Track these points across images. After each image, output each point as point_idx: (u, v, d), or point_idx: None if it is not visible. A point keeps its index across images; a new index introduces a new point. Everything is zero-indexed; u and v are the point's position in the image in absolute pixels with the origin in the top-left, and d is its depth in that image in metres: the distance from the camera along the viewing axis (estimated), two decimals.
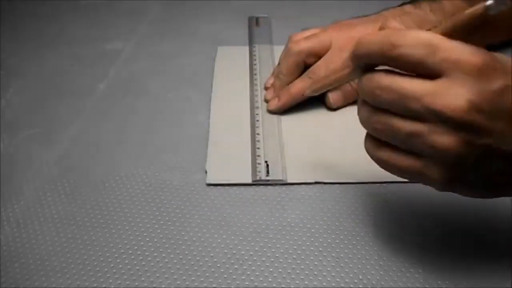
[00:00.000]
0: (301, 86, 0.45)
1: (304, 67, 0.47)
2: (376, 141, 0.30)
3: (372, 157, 0.30)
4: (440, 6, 0.47)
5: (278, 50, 0.51)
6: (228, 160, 0.43)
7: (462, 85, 0.26)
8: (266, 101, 0.49)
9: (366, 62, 0.29)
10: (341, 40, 0.46)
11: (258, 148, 0.43)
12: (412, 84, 0.27)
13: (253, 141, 0.44)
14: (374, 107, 0.28)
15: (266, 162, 0.42)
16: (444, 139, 0.26)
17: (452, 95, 0.26)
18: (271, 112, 0.48)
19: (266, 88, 0.50)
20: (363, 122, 0.30)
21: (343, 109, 0.48)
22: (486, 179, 0.29)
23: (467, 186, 0.29)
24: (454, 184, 0.29)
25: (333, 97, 0.47)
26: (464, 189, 0.30)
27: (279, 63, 0.50)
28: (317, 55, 0.46)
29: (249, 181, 0.40)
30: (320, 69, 0.46)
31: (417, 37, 0.26)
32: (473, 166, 0.27)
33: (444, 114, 0.26)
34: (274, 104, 0.47)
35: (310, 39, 0.47)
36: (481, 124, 0.26)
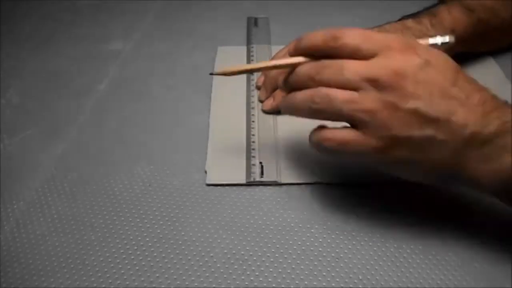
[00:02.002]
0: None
1: None
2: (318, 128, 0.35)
3: (316, 139, 0.34)
4: (440, 21, 0.48)
5: (276, 51, 0.51)
6: (227, 160, 0.43)
7: (390, 59, 0.31)
8: (261, 101, 0.49)
9: (308, 53, 0.34)
10: None
11: (253, 149, 0.43)
12: (350, 62, 0.32)
13: (249, 142, 0.44)
14: (315, 88, 0.33)
15: (261, 163, 0.42)
16: (373, 103, 0.31)
17: (382, 66, 0.31)
18: (266, 112, 0.48)
19: (258, 88, 0.51)
20: (302, 102, 0.34)
21: None
22: (420, 159, 0.32)
23: (402, 164, 0.33)
24: (389, 158, 0.32)
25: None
26: (401, 168, 0.33)
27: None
28: None
29: (244, 182, 0.40)
30: None
31: (354, 30, 0.33)
32: (404, 136, 0.31)
33: (374, 78, 0.31)
34: (269, 104, 0.48)
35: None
36: (405, 87, 0.31)
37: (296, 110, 0.35)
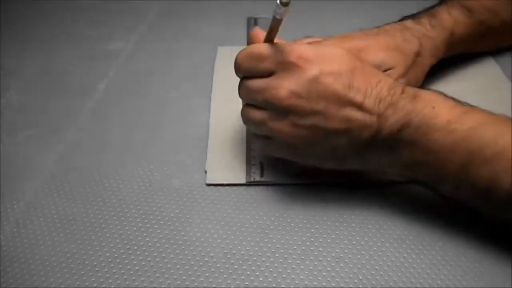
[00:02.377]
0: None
1: None
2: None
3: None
4: (440, 22, 0.48)
5: None
6: (227, 160, 0.43)
7: (285, 79, 0.34)
8: None
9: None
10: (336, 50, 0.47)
11: (253, 149, 0.43)
12: (255, 82, 0.35)
13: (249, 141, 0.44)
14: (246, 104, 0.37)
15: (261, 162, 0.42)
16: (277, 124, 0.34)
17: (278, 87, 0.34)
18: None
19: None
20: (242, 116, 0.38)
21: None
22: (330, 152, 0.35)
23: (315, 158, 0.36)
24: (299, 158, 0.37)
25: None
26: (315, 160, 0.36)
27: None
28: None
29: (244, 182, 0.40)
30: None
31: (249, 52, 0.35)
32: (309, 143, 0.34)
33: (273, 103, 0.34)
34: None
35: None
36: (301, 107, 0.33)
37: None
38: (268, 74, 0.35)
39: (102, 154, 0.44)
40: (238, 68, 0.37)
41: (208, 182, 0.41)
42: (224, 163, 0.42)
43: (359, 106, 0.33)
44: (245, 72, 0.36)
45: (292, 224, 0.37)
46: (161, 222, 0.37)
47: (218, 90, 0.51)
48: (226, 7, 0.69)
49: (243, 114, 0.37)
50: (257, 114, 0.35)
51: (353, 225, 0.37)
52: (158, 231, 0.37)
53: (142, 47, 0.60)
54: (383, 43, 0.44)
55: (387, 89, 0.34)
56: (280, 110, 0.34)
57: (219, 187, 0.40)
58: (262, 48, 0.35)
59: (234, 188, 0.40)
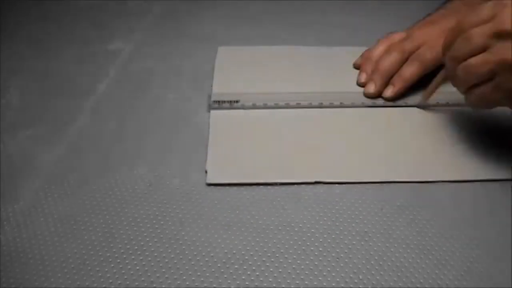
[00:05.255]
0: (411, 70, 0.50)
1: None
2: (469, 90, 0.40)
3: (472, 103, 0.41)
4: None
5: (277, 50, 0.51)
6: (228, 160, 0.43)
7: (505, 44, 0.36)
8: (361, 84, 0.52)
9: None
10: (435, 32, 0.50)
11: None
12: (473, 60, 0.38)
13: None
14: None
15: None
16: (506, 52, 0.36)
17: (504, 48, 0.36)
18: (388, 99, 0.50)
19: (360, 84, 0.53)
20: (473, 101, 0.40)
21: (341, 110, 0.48)
22: None
23: None
24: None
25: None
26: None
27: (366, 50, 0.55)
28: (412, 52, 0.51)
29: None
30: (425, 52, 0.49)
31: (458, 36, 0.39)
32: None
33: (503, 64, 0.36)
34: (390, 91, 0.50)
35: (408, 40, 0.51)
36: None
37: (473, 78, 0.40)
38: (481, 49, 0.37)
39: (102, 154, 0.44)
40: (451, 57, 0.40)
41: (208, 182, 0.40)
42: (224, 163, 0.42)
43: None
44: (460, 56, 0.39)
45: (292, 224, 0.37)
46: (161, 222, 0.37)
47: (218, 90, 0.51)
48: (226, 7, 0.69)
49: (473, 100, 0.40)
50: (485, 88, 0.38)
51: (353, 225, 0.37)
52: (158, 231, 0.37)
53: (142, 47, 0.60)
54: None
55: None
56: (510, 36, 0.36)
57: (219, 187, 0.40)
58: (470, 30, 0.38)
59: (234, 188, 0.40)
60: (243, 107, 0.48)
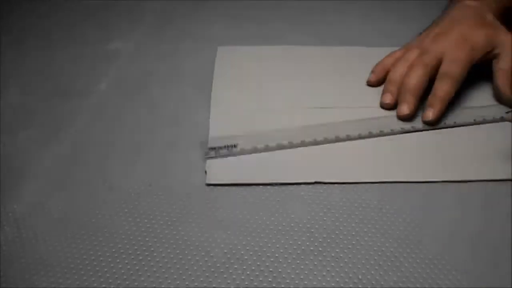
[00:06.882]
0: (445, 89, 0.47)
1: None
2: None
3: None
4: None
5: (276, 50, 0.51)
6: (227, 160, 0.43)
7: None
8: (385, 106, 0.48)
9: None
10: (451, 44, 0.49)
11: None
12: None
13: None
14: None
15: None
16: None
17: None
18: (430, 123, 0.46)
19: (370, 84, 0.52)
20: None
21: (342, 109, 0.48)
22: None
23: None
24: None
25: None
26: None
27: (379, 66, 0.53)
28: (434, 67, 0.48)
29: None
30: (451, 67, 0.47)
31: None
32: None
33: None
34: (431, 114, 0.46)
35: (426, 55, 0.49)
36: None
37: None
38: None
39: (102, 154, 0.44)
40: None
41: (208, 182, 0.40)
42: (224, 163, 0.42)
43: None
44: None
45: (292, 224, 0.37)
46: (161, 222, 0.37)
47: (218, 90, 0.51)
48: (226, 7, 0.69)
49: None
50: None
51: (353, 225, 0.37)
52: (158, 231, 0.37)
53: (142, 47, 0.60)
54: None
55: None
56: None
57: (219, 187, 0.40)
58: None
59: (234, 188, 0.40)
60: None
